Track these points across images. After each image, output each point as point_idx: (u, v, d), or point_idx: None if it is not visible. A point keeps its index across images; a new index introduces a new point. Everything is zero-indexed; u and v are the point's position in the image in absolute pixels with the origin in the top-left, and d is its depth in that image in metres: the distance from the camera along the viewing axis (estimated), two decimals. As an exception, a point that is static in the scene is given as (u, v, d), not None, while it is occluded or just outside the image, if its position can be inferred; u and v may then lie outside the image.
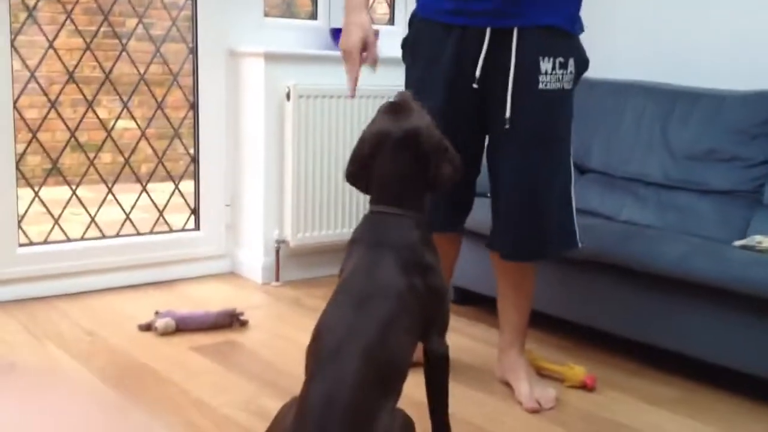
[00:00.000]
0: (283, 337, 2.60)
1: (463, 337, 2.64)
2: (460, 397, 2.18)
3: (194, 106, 3.29)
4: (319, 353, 1.49)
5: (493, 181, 2.19)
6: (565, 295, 2.59)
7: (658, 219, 2.73)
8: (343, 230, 3.30)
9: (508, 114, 2.05)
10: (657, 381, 2.35)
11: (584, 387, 2.25)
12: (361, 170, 1.75)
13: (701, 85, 2.87)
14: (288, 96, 3.14)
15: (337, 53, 2.21)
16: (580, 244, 2.20)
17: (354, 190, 1.91)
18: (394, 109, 1.74)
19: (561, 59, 2.06)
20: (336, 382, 1.42)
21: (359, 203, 3.29)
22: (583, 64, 2.15)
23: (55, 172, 3.28)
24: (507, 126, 2.05)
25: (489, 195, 2.23)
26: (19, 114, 2.95)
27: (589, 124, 3.05)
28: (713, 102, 2.77)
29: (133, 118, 3.42)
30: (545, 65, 2.04)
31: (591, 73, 3.16)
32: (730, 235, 2.52)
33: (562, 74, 2.07)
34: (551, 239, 2.16)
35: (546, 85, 2.05)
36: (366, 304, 1.54)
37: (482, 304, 2.84)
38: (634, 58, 3.22)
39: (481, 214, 2.30)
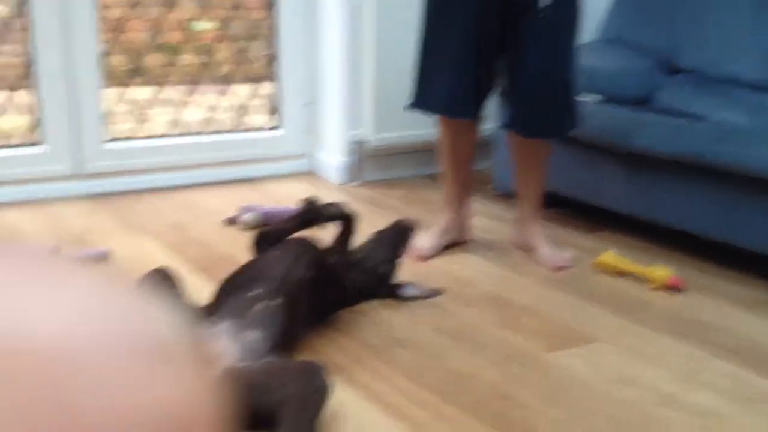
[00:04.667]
0: (360, 235, 2.63)
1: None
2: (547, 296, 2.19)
3: (272, 5, 3.27)
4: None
5: (516, 67, 2.31)
6: (652, 198, 2.54)
7: (752, 121, 2.61)
8: (423, 131, 3.26)
9: (548, 2, 2.19)
10: (745, 284, 2.31)
11: (669, 288, 2.23)
12: None
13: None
14: (369, -8, 3.08)
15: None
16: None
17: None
18: None
19: None
20: None
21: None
22: None
23: (136, 73, 3.32)
24: (542, 15, 2.20)
25: (506, 80, 2.35)
26: (104, 13, 2.97)
27: (680, 20, 2.92)
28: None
29: (212, 18, 3.42)
30: None
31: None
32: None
33: None
34: (569, 117, 2.36)
35: None
36: None
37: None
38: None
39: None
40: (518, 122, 2.38)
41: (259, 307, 1.60)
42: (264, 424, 1.36)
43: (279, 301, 1.63)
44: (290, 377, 1.42)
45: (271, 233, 1.93)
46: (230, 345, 1.50)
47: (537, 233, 2.47)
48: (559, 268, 2.37)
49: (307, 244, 1.88)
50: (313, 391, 1.40)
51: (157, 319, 0.29)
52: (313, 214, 1.97)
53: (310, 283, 1.76)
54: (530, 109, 2.34)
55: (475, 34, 2.26)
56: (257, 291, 1.64)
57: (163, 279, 1.45)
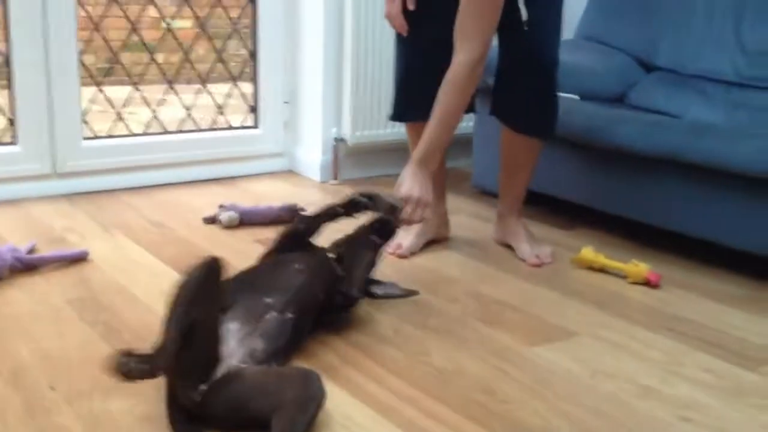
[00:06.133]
0: (341, 232, 2.63)
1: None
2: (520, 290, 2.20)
3: (252, 1, 3.25)
4: None
5: (506, 62, 2.32)
6: (629, 195, 2.57)
7: (728, 118, 2.66)
8: (402, 129, 3.28)
9: (525, 17, 2.19)
10: (724, 279, 2.34)
11: (648, 284, 2.25)
12: None
13: (779, -21, 2.75)
14: (347, -10, 3.08)
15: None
16: None
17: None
18: None
19: None
20: None
21: (417, 102, 3.26)
22: None
23: (111, 72, 3.30)
24: (526, 28, 2.20)
25: (495, 76, 2.36)
26: (84, 9, 2.94)
27: (656, 19, 2.96)
28: (791, -4, 2.66)
29: (192, 14, 3.40)
30: None
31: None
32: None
33: None
34: (553, 115, 2.38)
35: None
36: None
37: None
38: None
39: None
40: (506, 114, 2.39)
41: (269, 317, 1.63)
42: (260, 427, 1.37)
43: (289, 315, 1.66)
44: (288, 383, 1.44)
45: (298, 232, 2.01)
46: (236, 348, 1.52)
47: (517, 230, 2.49)
48: (539, 264, 2.39)
49: (326, 264, 1.91)
50: (309, 398, 1.42)
51: None
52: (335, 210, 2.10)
53: (320, 304, 1.82)
54: (525, 106, 2.34)
55: (428, 45, 2.32)
56: (271, 300, 1.67)
57: (211, 269, 1.44)
